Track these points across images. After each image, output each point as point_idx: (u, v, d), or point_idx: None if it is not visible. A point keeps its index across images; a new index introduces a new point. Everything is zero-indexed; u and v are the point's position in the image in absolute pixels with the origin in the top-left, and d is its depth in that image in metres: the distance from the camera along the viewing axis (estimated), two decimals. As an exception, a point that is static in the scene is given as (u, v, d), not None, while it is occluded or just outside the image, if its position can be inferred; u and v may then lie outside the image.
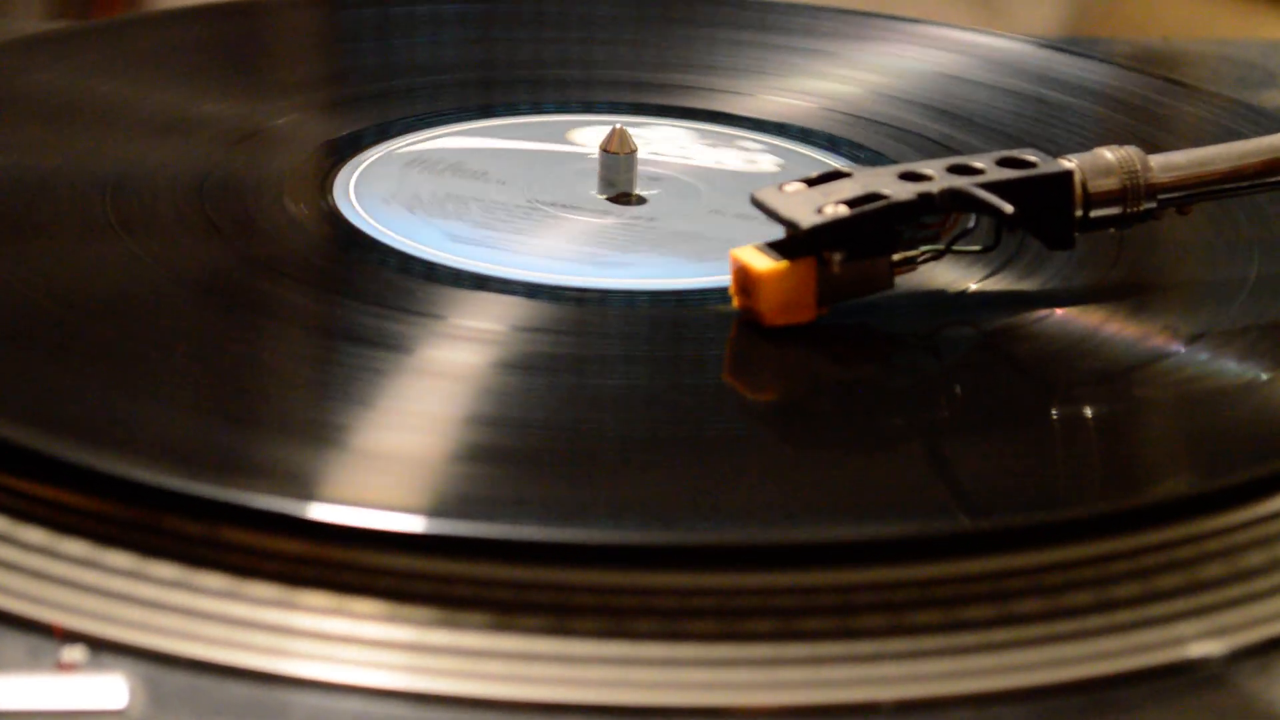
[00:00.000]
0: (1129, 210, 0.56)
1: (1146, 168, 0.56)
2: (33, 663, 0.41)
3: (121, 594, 0.43)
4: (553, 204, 0.62)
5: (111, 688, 0.40)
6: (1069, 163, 0.55)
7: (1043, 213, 0.55)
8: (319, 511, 0.43)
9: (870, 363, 0.54)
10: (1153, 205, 0.56)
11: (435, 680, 0.41)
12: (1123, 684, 0.42)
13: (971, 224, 0.54)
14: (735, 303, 0.53)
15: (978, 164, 0.54)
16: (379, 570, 0.43)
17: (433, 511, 0.44)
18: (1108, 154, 0.56)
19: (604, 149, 0.63)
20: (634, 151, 0.63)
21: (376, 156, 0.64)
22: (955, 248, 0.55)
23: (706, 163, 0.66)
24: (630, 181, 0.63)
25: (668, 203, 0.63)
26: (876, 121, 0.69)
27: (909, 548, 0.44)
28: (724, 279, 0.54)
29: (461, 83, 0.73)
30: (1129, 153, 0.56)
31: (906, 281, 0.55)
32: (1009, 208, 0.52)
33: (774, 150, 0.67)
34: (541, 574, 0.43)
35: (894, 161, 0.61)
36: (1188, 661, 0.43)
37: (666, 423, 0.50)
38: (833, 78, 0.73)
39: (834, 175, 0.54)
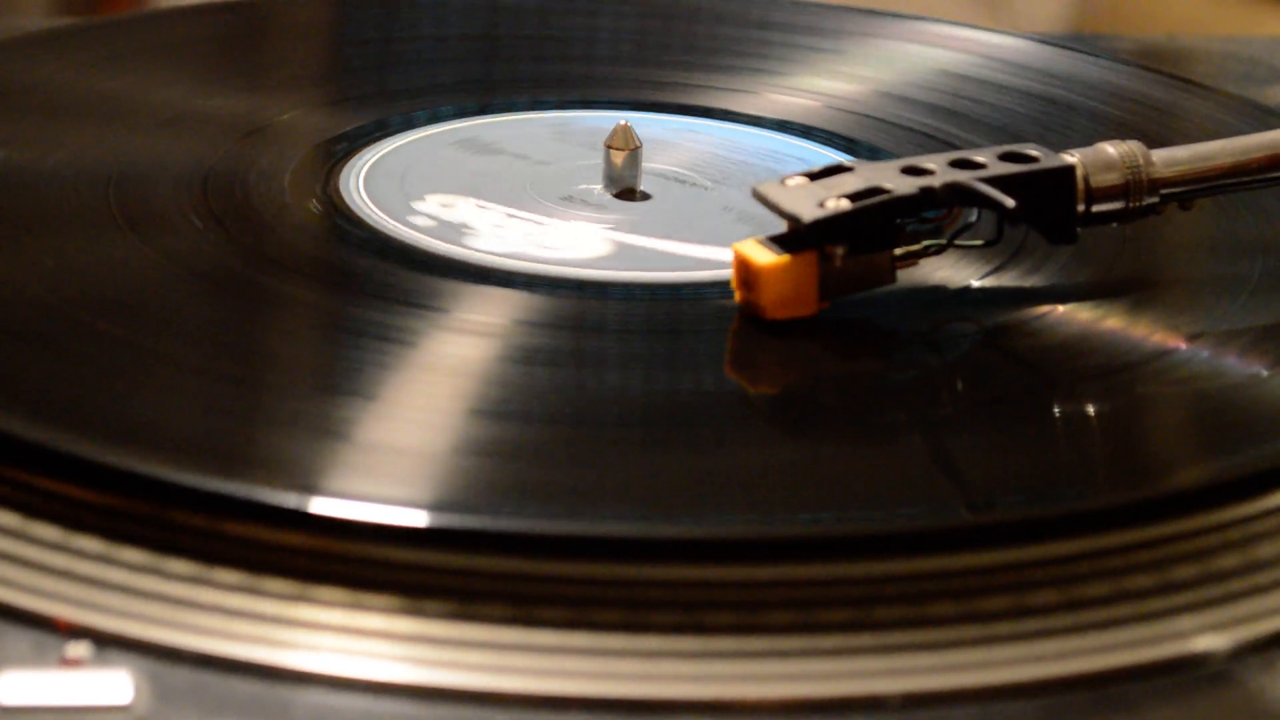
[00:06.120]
0: (1131, 205, 0.56)
1: (1149, 162, 0.56)
2: (37, 658, 0.41)
3: (125, 587, 0.43)
4: (556, 199, 0.62)
5: (116, 683, 0.40)
6: (1071, 157, 0.55)
7: (1045, 207, 0.55)
8: (322, 506, 0.43)
9: (871, 357, 0.54)
10: (1155, 200, 0.56)
11: (439, 673, 0.41)
12: (1127, 679, 0.42)
13: (973, 218, 0.54)
14: (737, 296, 0.54)
15: (980, 158, 0.54)
16: (382, 563, 0.43)
17: (438, 505, 0.45)
18: (1110, 149, 0.56)
19: (608, 145, 0.63)
20: (638, 148, 0.63)
21: (380, 152, 0.64)
22: (957, 242, 0.55)
23: (710, 159, 0.66)
24: (634, 177, 0.63)
25: (671, 198, 0.63)
26: (879, 119, 0.69)
27: (910, 541, 0.44)
28: (726, 273, 0.54)
29: (465, 78, 0.73)
30: (1131, 147, 0.56)
31: (908, 276, 0.55)
32: (1011, 202, 0.52)
33: (776, 145, 0.67)
34: (543, 567, 0.43)
35: (896, 156, 0.61)
36: (1192, 657, 0.43)
37: (668, 416, 0.50)
38: (835, 74, 0.74)
39: (836, 169, 0.54)
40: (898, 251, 0.54)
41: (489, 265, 0.57)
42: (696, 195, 0.63)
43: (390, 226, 0.59)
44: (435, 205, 0.61)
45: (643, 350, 0.54)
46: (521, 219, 0.60)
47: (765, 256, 0.53)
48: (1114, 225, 0.56)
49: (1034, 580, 0.44)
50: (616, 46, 0.77)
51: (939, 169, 0.54)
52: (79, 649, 0.41)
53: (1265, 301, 0.56)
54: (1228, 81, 0.80)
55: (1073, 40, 0.82)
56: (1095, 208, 0.55)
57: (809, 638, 0.42)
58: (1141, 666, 0.43)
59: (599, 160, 0.63)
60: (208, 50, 0.74)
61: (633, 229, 0.60)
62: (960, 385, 0.52)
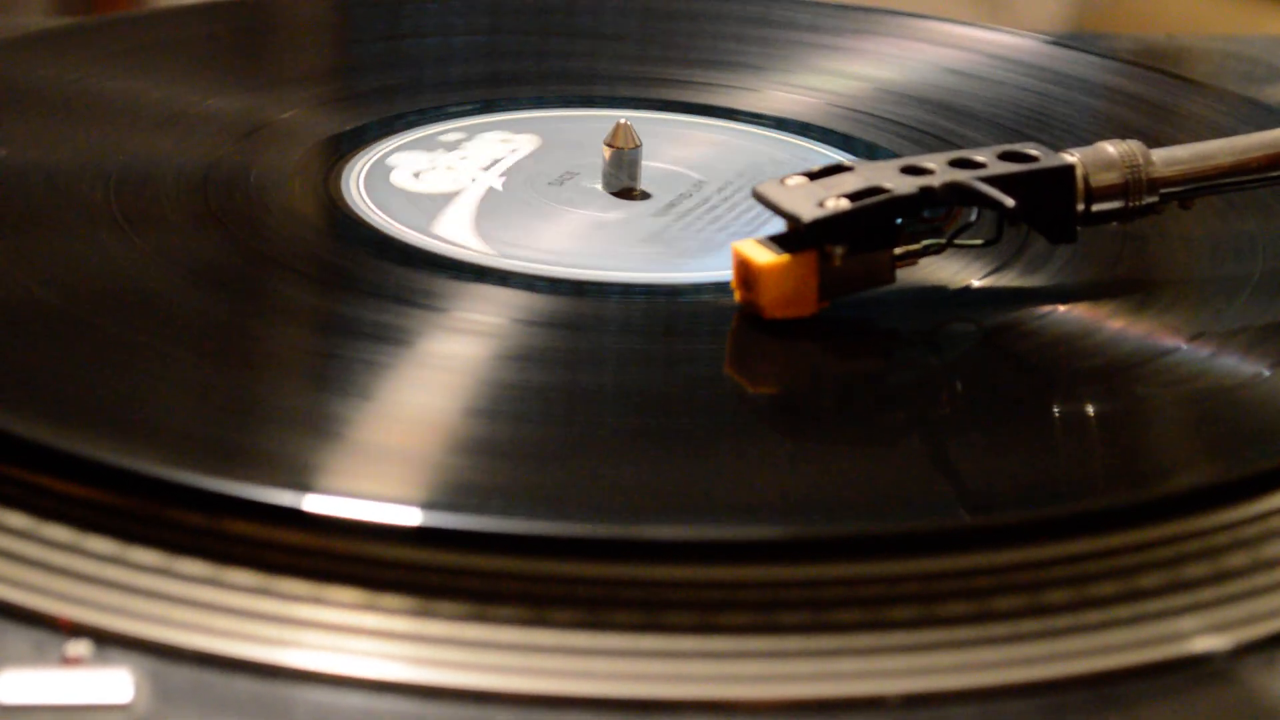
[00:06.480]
0: (1131, 204, 0.56)
1: (1148, 162, 0.56)
2: (38, 657, 0.41)
3: (126, 586, 0.43)
4: (555, 198, 0.62)
5: (116, 682, 0.40)
6: (1071, 157, 0.55)
7: (1044, 207, 0.55)
8: (317, 504, 0.43)
9: (871, 357, 0.54)
10: (1155, 199, 0.56)
11: (439, 672, 0.41)
12: (1127, 679, 0.42)
13: (973, 218, 0.54)
14: (736, 296, 0.54)
15: (979, 158, 0.54)
16: (380, 562, 0.43)
17: (435, 505, 0.44)
18: (1110, 148, 0.56)
19: (609, 144, 0.63)
20: (638, 146, 0.63)
21: (380, 151, 0.65)
22: (957, 241, 0.55)
23: (710, 157, 0.66)
24: (634, 176, 0.63)
25: (670, 197, 0.63)
26: (879, 117, 0.69)
27: (908, 542, 0.44)
28: (725, 272, 0.54)
29: (466, 77, 0.73)
30: (1131, 147, 0.56)
31: (908, 276, 0.55)
32: (1010, 202, 0.52)
33: (776, 144, 0.67)
34: (541, 566, 0.43)
35: (896, 156, 0.61)
36: (1192, 656, 0.43)
37: (666, 415, 0.50)
38: (835, 73, 0.74)
39: (836, 169, 0.54)
40: (897, 251, 0.54)
41: (486, 264, 0.57)
42: (696, 194, 0.63)
43: (389, 225, 0.59)
44: (496, 139, 0.65)
45: (641, 350, 0.54)
46: (473, 169, 0.63)
47: (765, 256, 0.53)
48: (1114, 225, 0.56)
49: (1033, 581, 0.44)
50: (618, 44, 0.77)
51: (939, 168, 0.54)
52: (79, 648, 0.41)
53: (1265, 301, 0.56)
54: (1228, 81, 0.80)
55: (1073, 39, 0.82)
56: (1095, 207, 0.55)
57: (807, 637, 0.42)
58: (1140, 666, 0.43)
59: (599, 159, 0.63)
60: (208, 50, 0.74)
61: (631, 227, 0.60)
62: (960, 385, 0.52)
